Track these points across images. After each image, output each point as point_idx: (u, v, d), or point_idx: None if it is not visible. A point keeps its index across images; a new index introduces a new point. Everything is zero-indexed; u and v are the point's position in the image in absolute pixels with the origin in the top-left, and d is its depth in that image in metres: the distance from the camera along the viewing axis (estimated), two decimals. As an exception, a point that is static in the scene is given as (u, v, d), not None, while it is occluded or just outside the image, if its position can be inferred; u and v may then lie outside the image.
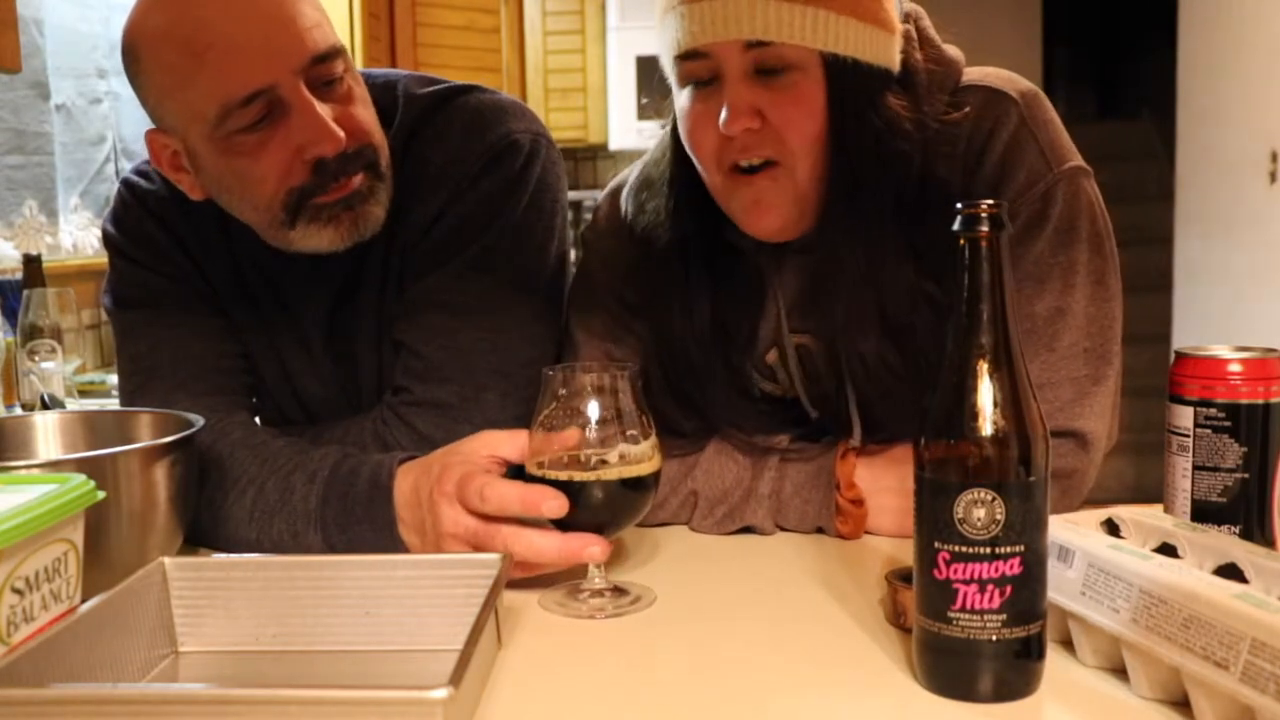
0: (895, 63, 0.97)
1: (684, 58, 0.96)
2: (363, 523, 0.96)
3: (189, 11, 0.97)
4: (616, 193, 1.17)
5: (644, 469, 0.87)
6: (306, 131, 0.98)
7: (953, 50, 1.04)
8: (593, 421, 0.87)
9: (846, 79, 0.94)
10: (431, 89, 1.15)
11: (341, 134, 0.99)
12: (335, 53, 1.01)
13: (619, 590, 0.89)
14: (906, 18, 1.02)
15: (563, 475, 0.86)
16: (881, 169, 0.97)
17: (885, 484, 1.02)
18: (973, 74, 1.04)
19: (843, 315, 1.00)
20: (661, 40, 0.98)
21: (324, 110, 0.99)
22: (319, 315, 1.17)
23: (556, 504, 0.85)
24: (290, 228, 1.04)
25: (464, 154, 1.10)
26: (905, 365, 1.01)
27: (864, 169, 0.97)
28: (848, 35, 0.92)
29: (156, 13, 0.99)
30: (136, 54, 1.00)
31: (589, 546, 0.86)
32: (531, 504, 0.85)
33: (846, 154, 0.97)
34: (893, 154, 0.97)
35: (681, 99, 0.99)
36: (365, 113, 1.05)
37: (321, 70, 1.00)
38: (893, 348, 1.01)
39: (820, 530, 1.03)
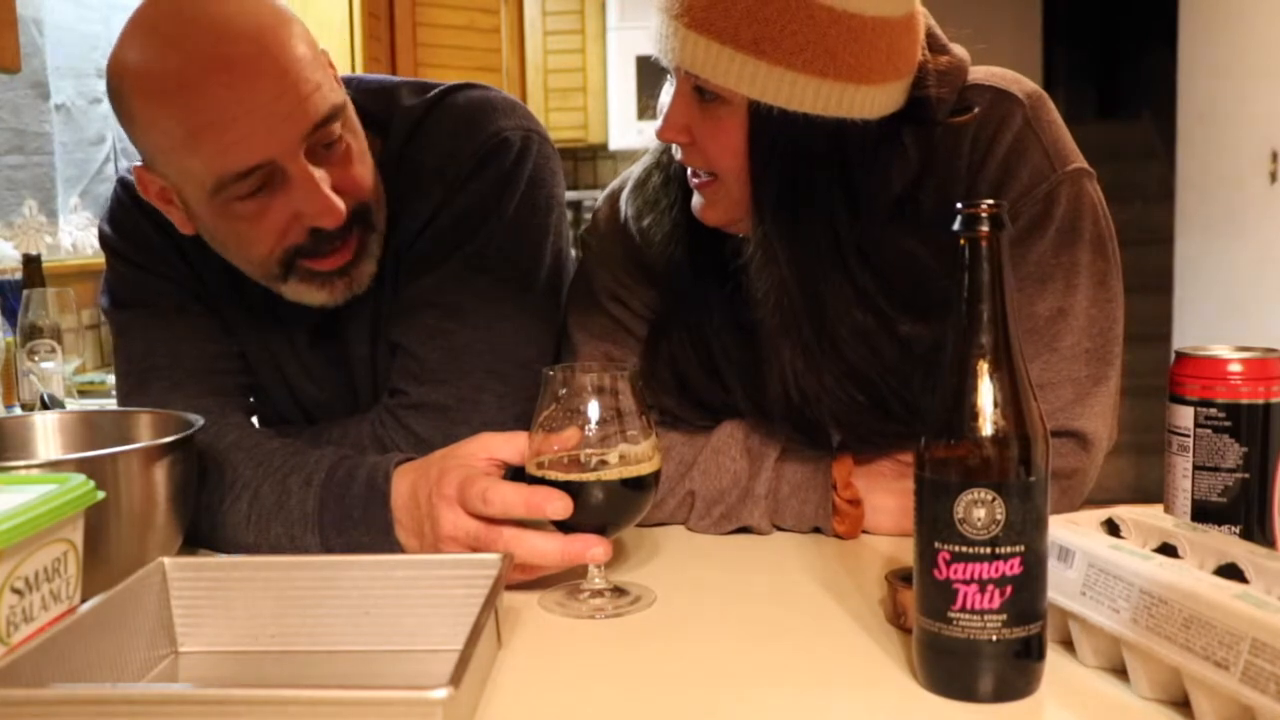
0: (861, 111, 0.93)
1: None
2: (360, 526, 0.96)
3: (183, 82, 0.93)
4: (616, 195, 1.17)
5: (644, 469, 0.87)
6: (307, 204, 0.98)
7: (959, 50, 1.04)
8: (593, 422, 0.87)
9: (771, 125, 0.93)
10: (424, 97, 1.14)
11: (342, 207, 0.98)
12: (335, 113, 0.99)
13: (619, 590, 0.89)
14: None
15: (563, 476, 0.86)
16: (793, 217, 0.96)
17: (882, 483, 1.02)
18: (978, 73, 1.04)
19: (788, 351, 1.00)
20: None
21: (324, 180, 0.98)
22: (311, 319, 1.17)
23: (561, 505, 0.85)
24: (283, 282, 1.05)
25: (454, 154, 1.10)
26: (871, 401, 1.01)
27: (777, 213, 0.96)
28: (779, 86, 0.90)
29: (147, 66, 0.94)
30: (126, 101, 0.97)
31: (591, 548, 0.86)
32: (536, 506, 0.85)
33: (759, 192, 0.97)
34: (808, 205, 0.96)
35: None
36: (362, 169, 1.04)
37: (321, 135, 0.98)
38: (853, 386, 1.01)
39: (818, 530, 1.03)
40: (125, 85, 0.97)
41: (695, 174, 1.01)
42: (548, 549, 0.86)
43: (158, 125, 0.96)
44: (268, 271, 1.04)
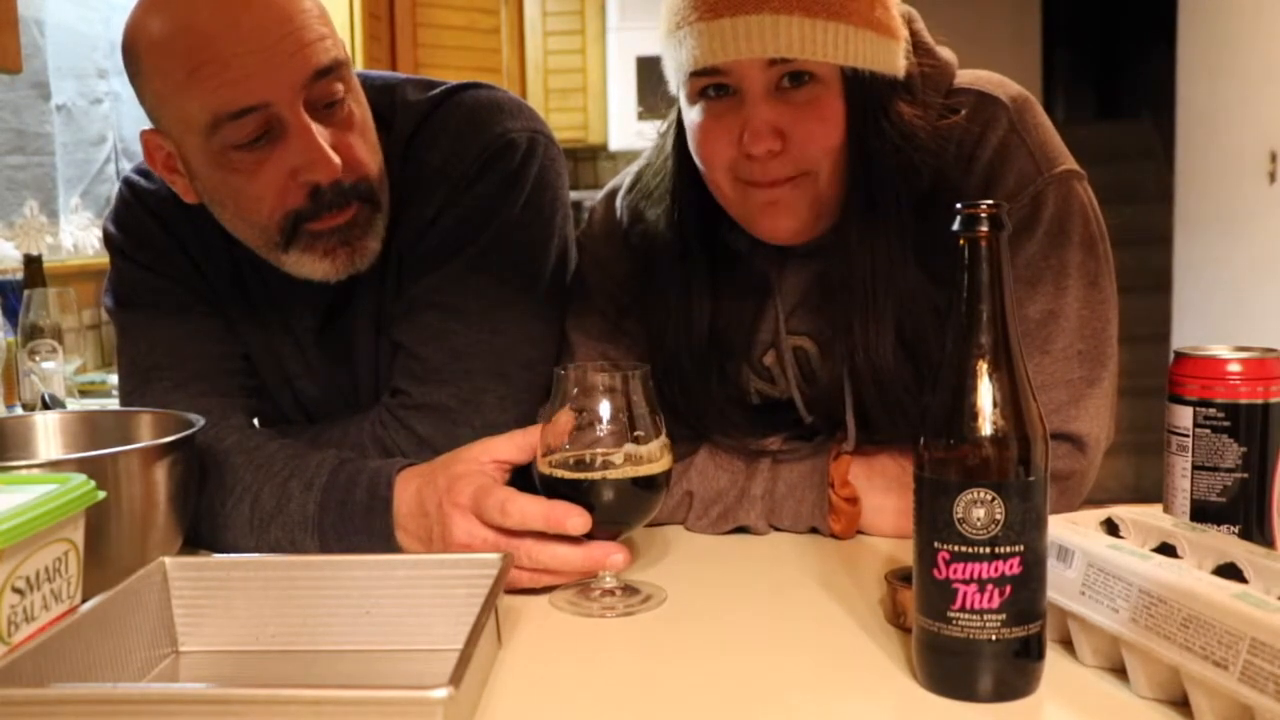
0: (902, 70, 0.97)
1: (700, 74, 0.95)
2: (360, 532, 0.96)
3: (190, 23, 0.95)
4: (611, 196, 1.17)
5: (655, 468, 0.88)
6: (303, 155, 0.97)
7: (945, 53, 1.04)
8: (604, 421, 0.87)
9: (864, 90, 0.94)
10: (429, 94, 1.14)
11: (338, 161, 0.98)
12: (336, 66, 0.99)
13: (630, 589, 0.89)
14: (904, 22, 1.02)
15: (574, 475, 0.86)
16: (898, 176, 0.97)
17: (880, 483, 1.02)
18: (964, 77, 1.04)
19: (860, 325, 0.99)
20: (673, 55, 0.97)
21: (322, 135, 0.98)
22: (314, 318, 1.17)
23: (580, 521, 0.85)
24: (284, 251, 1.04)
25: (460, 154, 1.10)
26: (916, 378, 1.00)
27: (882, 177, 0.97)
28: (864, 48, 0.92)
29: (157, 19, 0.97)
30: (136, 56, 0.99)
31: (612, 555, 0.87)
32: (556, 521, 0.86)
33: (866, 163, 0.96)
34: (909, 162, 0.97)
35: (693, 113, 0.98)
36: (364, 143, 1.04)
37: (322, 88, 0.98)
38: (906, 359, 1.00)
39: (815, 530, 1.03)
40: (137, 38, 0.98)
41: (765, 185, 0.96)
42: (571, 556, 0.87)
43: (161, 69, 0.97)
44: (269, 239, 1.03)
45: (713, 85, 0.96)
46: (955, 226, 0.69)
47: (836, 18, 0.90)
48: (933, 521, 0.68)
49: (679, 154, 1.04)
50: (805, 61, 0.92)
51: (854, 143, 0.96)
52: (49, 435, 1.07)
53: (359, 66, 3.43)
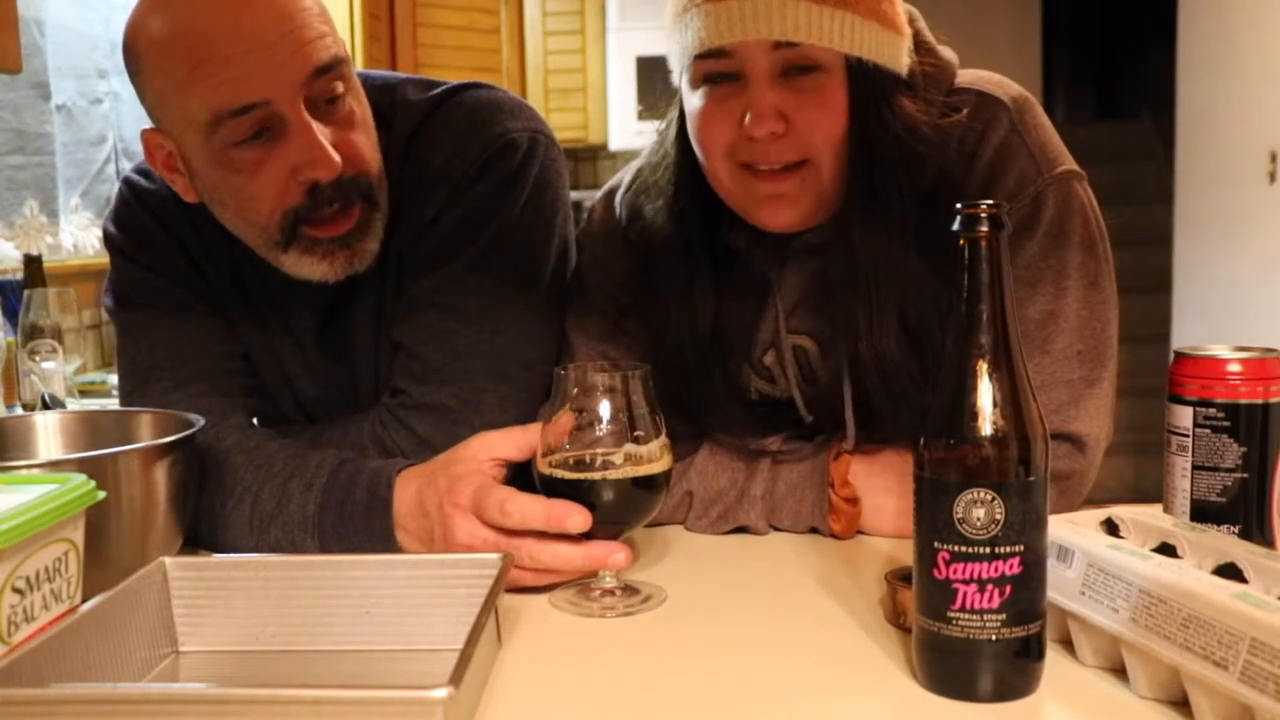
0: (905, 66, 0.98)
1: (704, 56, 0.95)
2: (360, 533, 0.96)
3: (191, 22, 0.95)
4: (610, 194, 1.17)
5: (655, 468, 0.88)
6: (303, 153, 0.97)
7: (947, 52, 1.05)
8: (604, 421, 0.87)
9: (867, 81, 0.95)
10: (430, 94, 1.14)
11: (338, 159, 0.98)
12: (336, 63, 0.99)
13: (630, 589, 0.89)
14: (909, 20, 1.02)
15: (575, 475, 0.86)
16: (900, 170, 0.97)
17: (880, 484, 1.02)
18: (965, 77, 1.04)
19: (864, 317, 0.99)
20: (678, 39, 0.97)
21: (322, 132, 0.98)
22: (314, 318, 1.17)
23: (581, 519, 0.85)
24: (283, 251, 1.04)
25: (460, 154, 1.10)
26: (921, 370, 1.00)
27: (884, 170, 0.97)
28: (870, 39, 0.93)
29: (158, 18, 0.97)
30: (137, 55, 0.99)
31: (613, 554, 0.87)
32: (556, 520, 0.86)
33: (867, 155, 0.97)
34: (911, 156, 0.97)
35: (694, 98, 0.99)
36: (364, 140, 1.04)
37: (322, 86, 0.98)
38: (911, 352, 1.00)
39: (815, 530, 1.03)
40: (137, 37, 0.99)
41: (767, 175, 0.97)
42: (572, 555, 0.87)
43: (161, 68, 0.97)
44: (269, 238, 1.03)
45: (717, 71, 0.96)
46: (955, 226, 0.69)
47: (843, 6, 0.91)
48: (933, 521, 0.68)
49: (680, 148, 1.04)
50: (810, 49, 0.92)
51: (856, 134, 0.96)
52: (49, 435, 1.07)
53: (359, 66, 3.42)
